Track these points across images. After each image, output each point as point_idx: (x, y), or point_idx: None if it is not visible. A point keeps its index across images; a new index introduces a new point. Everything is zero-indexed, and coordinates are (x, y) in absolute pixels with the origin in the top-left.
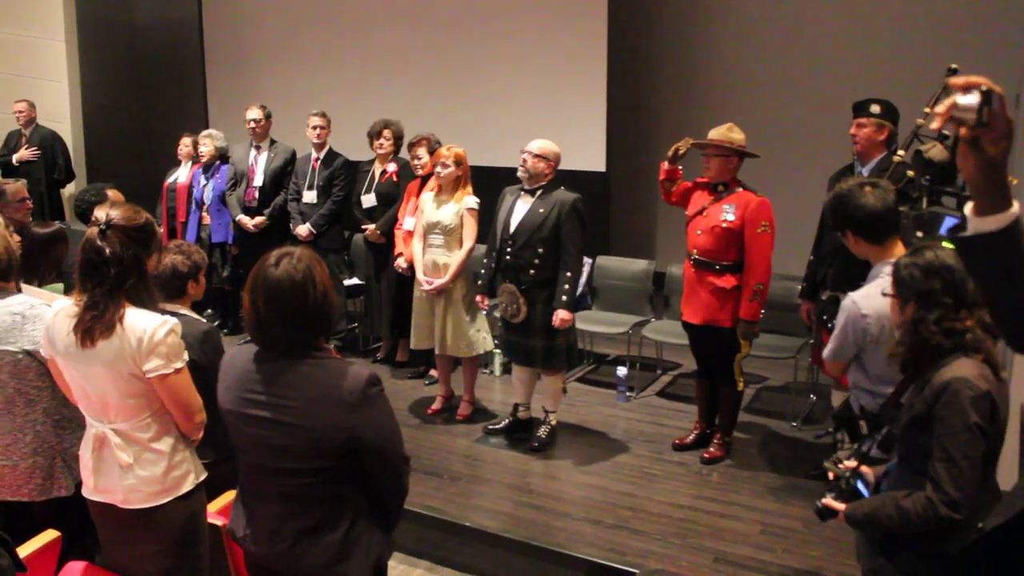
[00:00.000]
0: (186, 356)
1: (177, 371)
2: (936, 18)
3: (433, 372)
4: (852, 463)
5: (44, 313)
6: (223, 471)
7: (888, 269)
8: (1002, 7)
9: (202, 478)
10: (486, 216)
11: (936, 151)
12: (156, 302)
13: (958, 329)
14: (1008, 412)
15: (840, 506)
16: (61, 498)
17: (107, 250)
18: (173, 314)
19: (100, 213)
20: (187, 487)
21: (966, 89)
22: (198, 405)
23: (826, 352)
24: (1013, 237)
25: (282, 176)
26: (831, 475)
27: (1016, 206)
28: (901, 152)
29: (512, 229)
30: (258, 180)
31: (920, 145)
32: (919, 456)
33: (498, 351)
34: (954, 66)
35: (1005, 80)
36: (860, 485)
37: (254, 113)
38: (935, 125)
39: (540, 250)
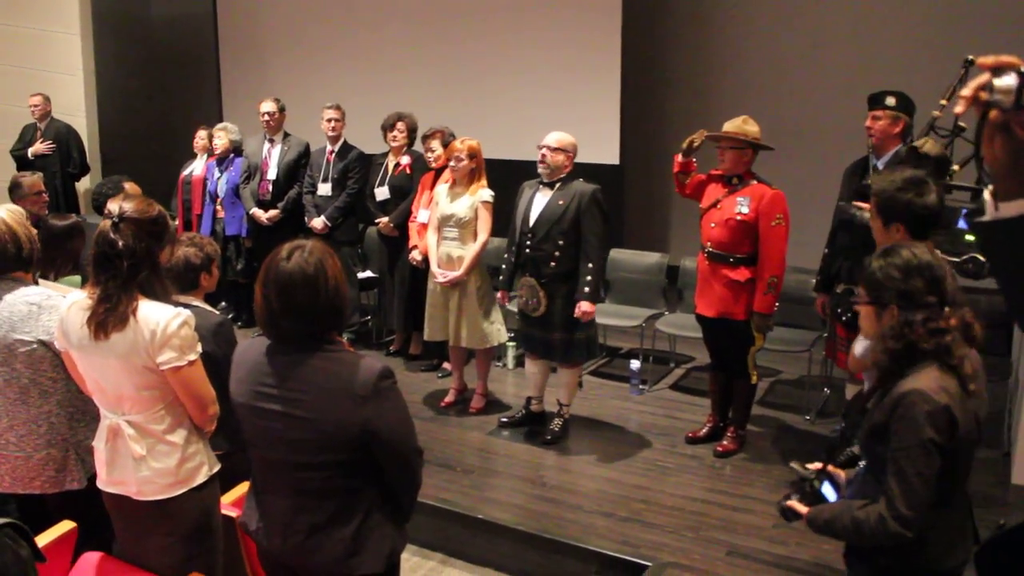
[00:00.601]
0: (199, 348)
1: (191, 363)
2: (951, 9)
3: (446, 365)
4: (818, 464)
5: (60, 304)
6: (237, 461)
7: None
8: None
9: (215, 470)
10: (501, 209)
11: (930, 145)
12: (169, 294)
13: (944, 329)
14: (977, 425)
15: (803, 509)
16: (75, 490)
17: (120, 243)
18: (186, 306)
19: (113, 206)
20: (200, 479)
21: (997, 70)
22: (211, 397)
23: (860, 350)
24: None
25: (296, 169)
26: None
27: None
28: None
29: (532, 222)
30: (272, 173)
31: (917, 141)
32: (879, 466)
33: (511, 344)
34: (971, 57)
35: None
36: (827, 487)
37: (268, 106)
38: (960, 109)
39: (560, 242)
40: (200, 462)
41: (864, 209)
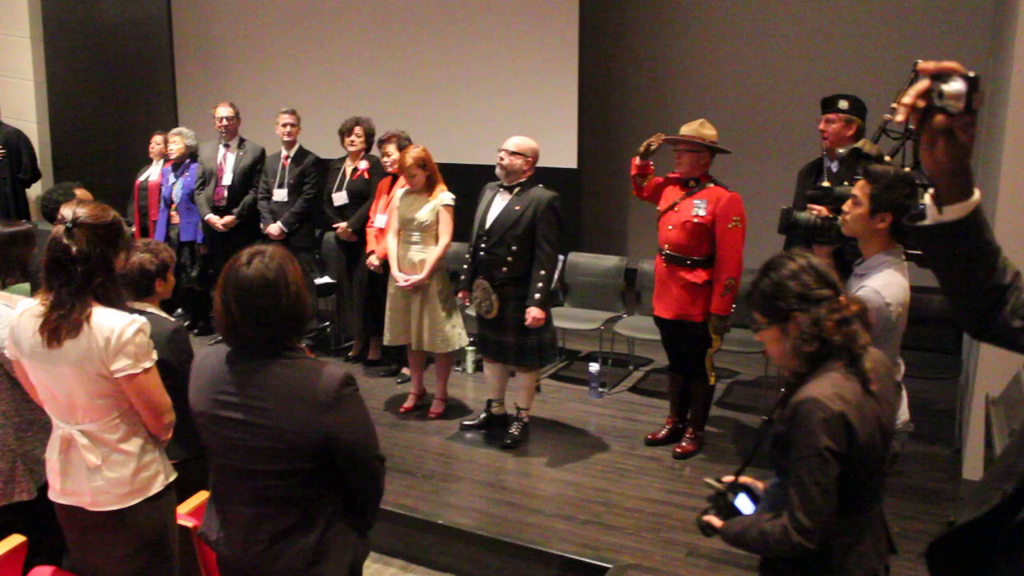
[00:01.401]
0: (155, 355)
1: (146, 371)
2: (901, 15)
3: (405, 370)
4: (730, 477)
5: (5, 314)
6: (194, 470)
7: (890, 259)
8: (966, 3)
9: (172, 479)
10: (460, 213)
11: (869, 145)
12: (124, 301)
13: (848, 317)
14: (881, 430)
15: (718, 523)
16: (24, 502)
17: (73, 248)
18: (141, 313)
19: (67, 211)
20: (156, 488)
21: (941, 76)
22: (167, 405)
23: None
24: (976, 223)
25: (251, 175)
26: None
27: (978, 193)
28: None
29: (488, 225)
30: (227, 179)
31: (859, 143)
32: (786, 476)
33: (471, 348)
34: (918, 62)
35: None
36: (743, 499)
37: (224, 110)
38: (900, 117)
39: (514, 247)
40: (156, 471)
41: (813, 212)
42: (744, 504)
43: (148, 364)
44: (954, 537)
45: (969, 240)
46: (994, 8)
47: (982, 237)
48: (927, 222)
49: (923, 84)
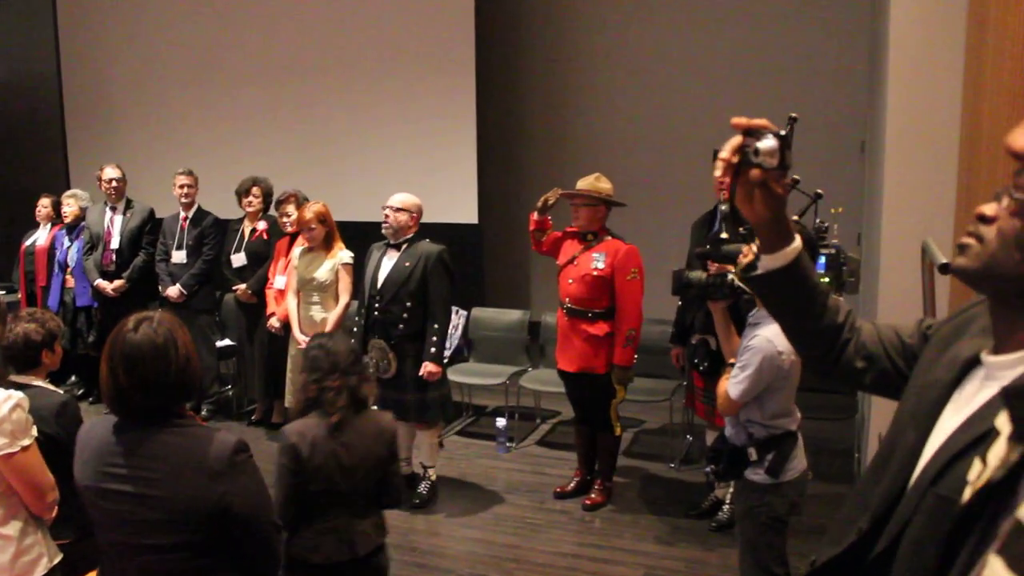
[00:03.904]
0: (35, 432)
1: (24, 449)
2: (784, 72)
3: None
4: None
5: None
6: (85, 549)
7: None
8: (845, 61)
9: (56, 561)
10: (360, 271)
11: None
12: (3, 376)
13: (328, 387)
14: (339, 465)
15: None
16: None
17: None
18: (25, 386)
19: None
20: (40, 572)
21: (753, 133)
22: (50, 483)
23: (737, 393)
24: (800, 268)
25: (140, 237)
26: None
27: (798, 239)
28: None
29: (379, 284)
30: (115, 242)
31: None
32: None
33: (374, 408)
34: (794, 115)
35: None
36: None
37: (111, 172)
38: (718, 173)
39: (408, 304)
40: (39, 554)
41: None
42: None
43: (26, 442)
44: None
45: (797, 283)
46: (869, 67)
47: (809, 280)
48: (758, 272)
49: (737, 140)
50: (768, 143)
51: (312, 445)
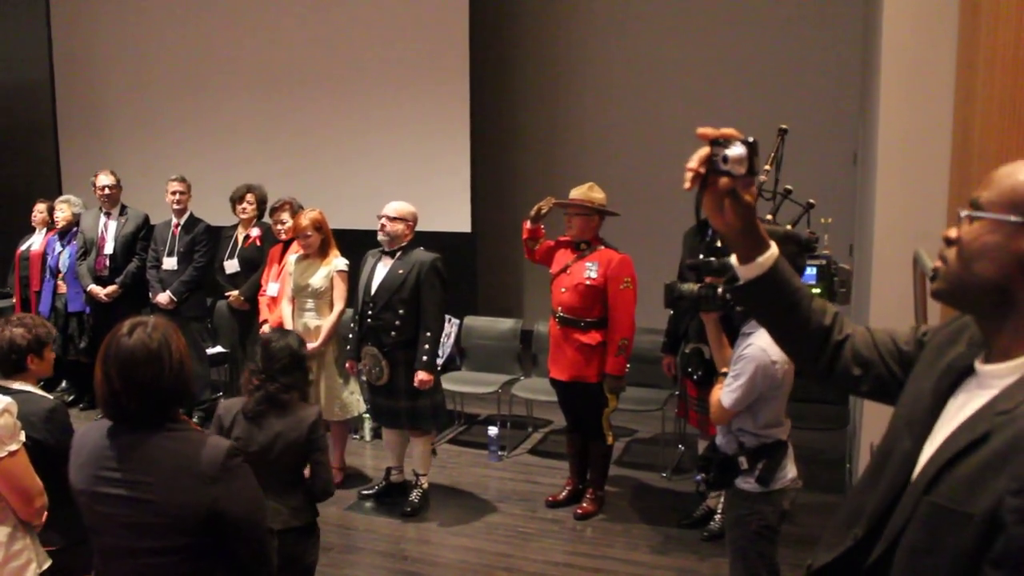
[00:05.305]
0: (22, 437)
1: (11, 454)
2: (778, 83)
3: None
4: None
5: None
6: (74, 556)
7: None
8: (838, 72)
9: (45, 566)
10: (355, 278)
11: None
12: None
13: (251, 381)
14: (251, 435)
15: None
16: None
17: None
18: (12, 391)
19: None
20: None
21: (722, 142)
22: (38, 489)
23: (730, 402)
24: (779, 273)
25: (134, 243)
26: None
27: (774, 246)
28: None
29: (373, 291)
30: (109, 248)
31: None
32: None
33: (367, 416)
34: (784, 126)
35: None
36: None
37: (105, 179)
38: (687, 185)
39: (401, 311)
40: (27, 560)
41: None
42: None
43: (14, 447)
44: None
45: (779, 289)
46: (861, 79)
47: (790, 284)
48: (740, 283)
49: (705, 151)
50: (737, 150)
51: (233, 419)
